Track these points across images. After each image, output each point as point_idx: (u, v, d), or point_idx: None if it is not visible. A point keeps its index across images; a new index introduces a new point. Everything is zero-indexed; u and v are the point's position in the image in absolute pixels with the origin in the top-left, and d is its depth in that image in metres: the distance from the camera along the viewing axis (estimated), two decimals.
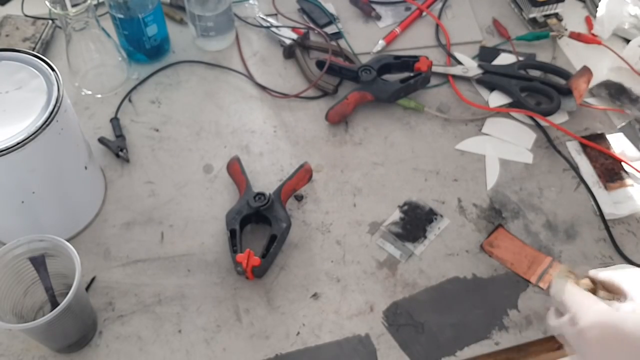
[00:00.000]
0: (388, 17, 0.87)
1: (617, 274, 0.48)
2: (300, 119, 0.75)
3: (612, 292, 0.48)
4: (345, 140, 0.73)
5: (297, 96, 0.76)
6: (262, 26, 0.83)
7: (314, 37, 0.83)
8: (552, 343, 0.58)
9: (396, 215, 0.66)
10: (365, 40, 0.83)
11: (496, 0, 0.89)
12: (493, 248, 0.64)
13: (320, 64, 0.77)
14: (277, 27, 0.83)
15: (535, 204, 0.68)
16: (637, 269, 0.49)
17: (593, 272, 0.50)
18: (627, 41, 0.82)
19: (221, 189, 0.68)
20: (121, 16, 0.73)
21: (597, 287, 0.50)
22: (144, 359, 0.57)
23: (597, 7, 0.82)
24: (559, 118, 0.75)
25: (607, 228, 0.65)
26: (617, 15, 0.81)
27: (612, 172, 0.70)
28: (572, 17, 0.86)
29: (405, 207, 0.67)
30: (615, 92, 0.78)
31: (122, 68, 0.77)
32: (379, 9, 0.87)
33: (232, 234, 0.61)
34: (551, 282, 0.51)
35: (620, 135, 0.74)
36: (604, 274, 0.49)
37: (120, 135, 0.72)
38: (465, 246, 0.64)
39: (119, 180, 0.69)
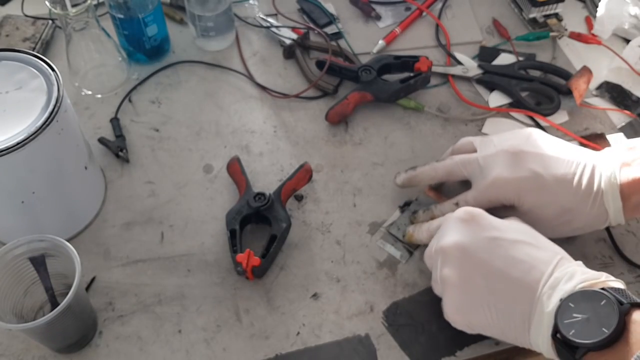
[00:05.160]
0: (388, 17, 0.87)
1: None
2: (300, 119, 0.75)
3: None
4: (345, 140, 0.73)
5: (297, 96, 0.76)
6: (262, 26, 0.83)
7: (314, 37, 0.83)
8: None
9: (396, 215, 0.66)
10: (365, 40, 0.83)
11: (496, 0, 0.89)
12: None
13: (320, 64, 0.77)
14: (277, 27, 0.83)
15: None
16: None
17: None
18: (627, 41, 0.82)
19: (221, 189, 0.68)
20: (121, 16, 0.73)
21: None
22: (144, 359, 0.57)
23: (597, 7, 0.82)
24: (559, 118, 0.75)
25: (607, 228, 0.65)
26: (617, 15, 0.81)
27: None
28: (572, 17, 0.86)
29: (406, 207, 0.67)
30: (617, 95, 0.78)
31: (122, 68, 0.77)
32: (379, 9, 0.87)
33: (232, 234, 0.61)
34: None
35: (620, 135, 0.74)
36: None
37: (120, 135, 0.72)
38: None
39: (119, 180, 0.69)
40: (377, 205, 0.67)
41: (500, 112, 0.76)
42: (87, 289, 0.60)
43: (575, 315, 0.45)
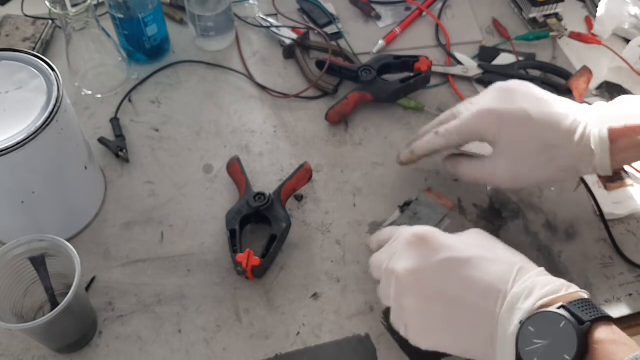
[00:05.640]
0: (388, 17, 0.87)
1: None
2: (300, 119, 0.75)
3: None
4: (345, 140, 0.73)
5: (297, 96, 0.76)
6: (262, 26, 0.83)
7: (314, 37, 0.83)
8: None
9: (396, 215, 0.66)
10: (365, 40, 0.83)
11: (496, 0, 0.89)
12: None
13: (320, 64, 0.77)
14: (277, 27, 0.83)
15: (535, 204, 0.68)
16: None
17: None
18: (627, 41, 0.82)
19: (221, 189, 0.68)
20: (121, 16, 0.73)
21: None
22: (144, 359, 0.57)
23: (597, 7, 0.82)
24: None
25: (607, 228, 0.65)
26: (617, 15, 0.81)
27: None
28: (572, 17, 0.86)
29: (406, 207, 0.67)
30: (617, 95, 0.78)
31: (122, 68, 0.77)
32: (379, 9, 0.87)
33: (232, 234, 0.61)
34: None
35: None
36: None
37: (120, 135, 0.72)
38: None
39: (119, 180, 0.69)
40: (377, 205, 0.67)
41: None
42: (87, 289, 0.60)
43: (535, 341, 0.42)
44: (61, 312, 0.49)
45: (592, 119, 0.55)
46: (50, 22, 0.82)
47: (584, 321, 0.42)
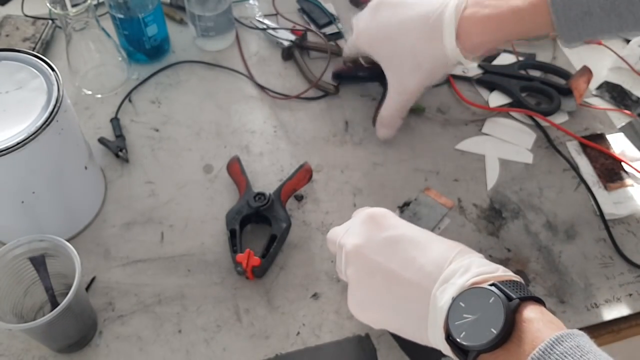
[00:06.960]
0: None
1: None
2: (301, 119, 0.75)
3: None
4: (345, 140, 0.73)
5: (297, 97, 0.76)
6: (257, 28, 0.83)
7: (313, 38, 0.82)
8: None
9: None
10: None
11: None
12: None
13: (336, 76, 0.77)
14: (274, 29, 0.83)
15: (535, 204, 0.68)
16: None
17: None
18: (627, 41, 0.82)
19: (221, 189, 0.68)
20: (121, 16, 0.73)
21: None
22: (144, 359, 0.57)
23: None
24: (559, 118, 0.75)
25: (607, 228, 0.65)
26: None
27: (612, 172, 0.70)
28: None
29: (405, 207, 0.67)
30: (617, 95, 0.78)
31: (122, 68, 0.77)
32: None
33: (232, 234, 0.61)
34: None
35: (620, 135, 0.74)
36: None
37: (120, 135, 0.72)
38: None
39: (118, 180, 0.69)
40: (377, 205, 0.66)
41: (500, 112, 0.76)
42: (87, 289, 0.60)
43: (465, 316, 0.43)
44: (61, 312, 0.49)
45: (448, 11, 0.59)
46: (50, 22, 0.82)
47: (512, 298, 0.42)
